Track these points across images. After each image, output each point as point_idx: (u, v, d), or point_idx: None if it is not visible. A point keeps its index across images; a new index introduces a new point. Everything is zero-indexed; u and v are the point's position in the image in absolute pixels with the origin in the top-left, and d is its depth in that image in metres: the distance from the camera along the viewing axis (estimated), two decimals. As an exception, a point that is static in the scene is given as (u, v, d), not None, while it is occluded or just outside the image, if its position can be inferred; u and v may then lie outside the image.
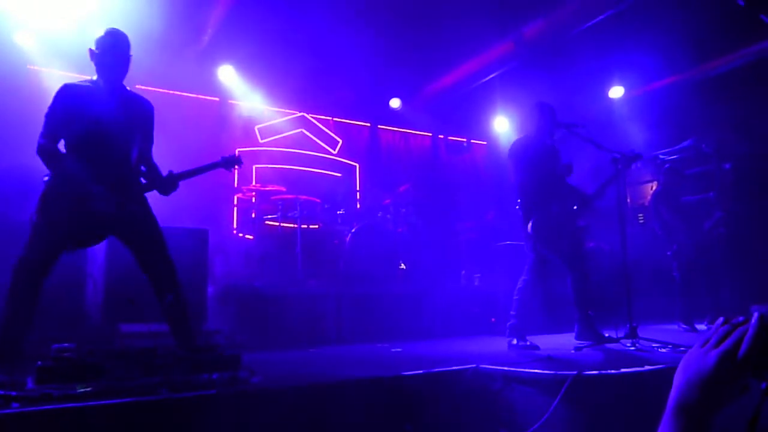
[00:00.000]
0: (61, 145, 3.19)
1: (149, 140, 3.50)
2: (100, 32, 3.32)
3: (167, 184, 3.42)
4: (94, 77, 3.34)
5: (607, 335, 4.38)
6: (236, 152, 3.75)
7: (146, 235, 3.29)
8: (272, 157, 8.35)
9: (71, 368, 2.56)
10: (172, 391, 2.44)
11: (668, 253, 6.01)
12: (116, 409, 2.29)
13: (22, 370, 2.75)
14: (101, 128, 3.18)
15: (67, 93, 3.20)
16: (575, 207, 4.59)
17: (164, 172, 3.46)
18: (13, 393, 2.33)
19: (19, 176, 5.14)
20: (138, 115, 3.41)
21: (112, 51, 3.28)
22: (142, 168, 3.46)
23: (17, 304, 2.93)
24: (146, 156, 3.48)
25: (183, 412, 2.41)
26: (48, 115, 3.17)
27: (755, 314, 1.00)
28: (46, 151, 3.09)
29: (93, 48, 3.29)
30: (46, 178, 3.12)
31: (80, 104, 3.19)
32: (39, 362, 2.58)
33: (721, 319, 1.03)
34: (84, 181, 3.07)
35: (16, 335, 2.93)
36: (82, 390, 2.42)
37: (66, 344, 2.71)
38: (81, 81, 3.35)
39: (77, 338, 3.55)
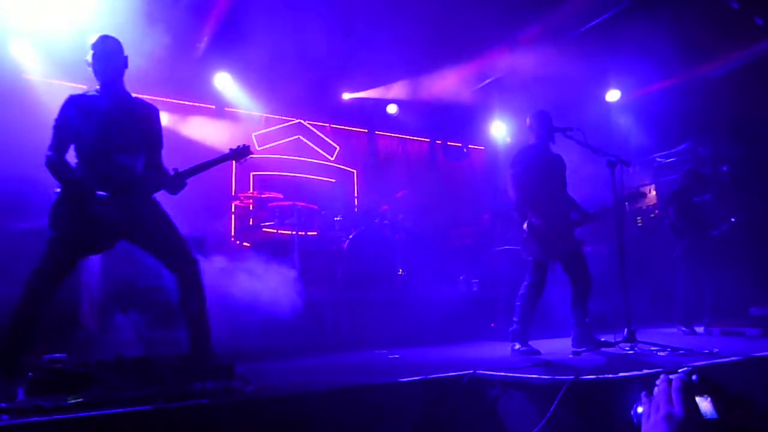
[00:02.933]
0: (71, 156, 3.23)
1: (157, 144, 3.52)
2: (92, 39, 3.33)
3: (174, 182, 3.43)
4: (98, 86, 3.37)
5: (604, 340, 4.36)
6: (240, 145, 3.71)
7: (159, 236, 3.30)
8: (269, 165, 8.34)
9: (63, 379, 2.54)
10: (165, 401, 2.41)
11: (674, 254, 5.99)
12: (108, 420, 2.26)
13: (14, 382, 2.72)
14: (107, 136, 3.22)
15: (72, 104, 3.25)
16: (573, 218, 4.59)
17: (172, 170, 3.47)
18: (3, 405, 2.30)
19: (17, 186, 5.13)
20: (142, 120, 3.43)
21: (104, 56, 3.31)
22: (152, 171, 3.46)
23: (25, 317, 2.93)
24: (155, 160, 3.51)
25: (176, 422, 2.38)
26: (55, 127, 3.21)
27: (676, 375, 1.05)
28: (52, 163, 3.14)
29: (88, 56, 3.31)
30: (57, 190, 3.15)
31: (86, 113, 3.22)
32: (30, 373, 2.56)
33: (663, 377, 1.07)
34: (90, 189, 3.10)
35: (16, 347, 2.91)
36: (73, 401, 2.39)
37: (58, 355, 2.69)
38: (86, 91, 3.39)
39: (73, 349, 3.53)
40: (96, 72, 3.33)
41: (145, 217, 3.27)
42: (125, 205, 3.16)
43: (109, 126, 3.23)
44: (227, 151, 3.67)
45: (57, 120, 3.22)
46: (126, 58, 3.42)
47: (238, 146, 3.70)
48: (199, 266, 3.34)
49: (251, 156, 3.75)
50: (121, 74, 3.41)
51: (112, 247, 3.30)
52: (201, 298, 3.31)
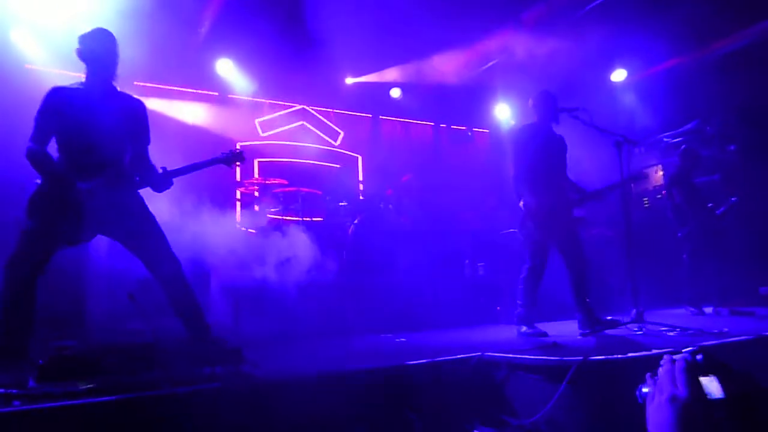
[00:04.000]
0: (52, 148, 3.17)
1: (143, 139, 3.46)
2: (85, 30, 3.27)
3: (161, 181, 3.39)
4: (83, 79, 3.31)
5: (611, 318, 4.35)
6: (237, 146, 3.69)
7: (140, 234, 3.25)
8: (274, 151, 8.31)
9: (72, 366, 2.55)
10: (174, 386, 2.42)
11: (679, 235, 5.95)
12: (118, 406, 2.27)
13: (24, 369, 2.74)
14: (90, 129, 3.15)
15: (56, 95, 3.18)
16: (572, 198, 4.56)
17: (160, 169, 3.42)
18: (15, 391, 2.32)
19: (18, 176, 5.13)
20: (128, 115, 3.37)
21: (99, 51, 3.25)
22: (138, 166, 3.41)
23: (12, 303, 2.91)
24: (142, 155, 3.44)
25: (186, 406, 2.39)
26: (37, 118, 3.15)
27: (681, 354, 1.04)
28: (33, 154, 3.08)
29: (78, 47, 3.24)
30: (37, 181, 3.10)
31: (69, 106, 3.16)
32: (40, 360, 2.57)
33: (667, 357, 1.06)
34: (71, 180, 3.05)
35: (15, 334, 2.91)
36: (83, 387, 2.41)
37: (66, 342, 2.70)
38: (71, 83, 3.32)
39: (81, 336, 3.55)
40: (87, 64, 3.27)
41: (126, 213, 3.23)
42: (107, 199, 3.11)
43: (92, 119, 3.17)
44: (219, 154, 3.62)
45: (39, 110, 3.15)
46: (118, 54, 3.33)
47: (230, 151, 3.65)
48: (181, 266, 3.28)
49: (242, 162, 3.68)
50: (113, 70, 3.33)
51: (89, 241, 3.25)
52: (188, 295, 3.27)
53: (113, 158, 3.25)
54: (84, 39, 3.25)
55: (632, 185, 4.89)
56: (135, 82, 6.76)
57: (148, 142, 3.48)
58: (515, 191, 4.51)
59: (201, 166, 3.54)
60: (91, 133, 3.15)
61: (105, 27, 3.33)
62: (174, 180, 3.45)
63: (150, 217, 3.32)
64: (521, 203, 4.41)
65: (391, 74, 8.48)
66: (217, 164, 3.62)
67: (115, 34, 3.33)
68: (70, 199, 3.02)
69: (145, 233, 3.26)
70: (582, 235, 4.61)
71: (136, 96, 3.51)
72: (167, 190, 3.48)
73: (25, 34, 6.32)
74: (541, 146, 4.53)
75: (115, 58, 3.31)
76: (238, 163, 3.66)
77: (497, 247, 7.01)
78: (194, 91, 7.78)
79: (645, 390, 1.09)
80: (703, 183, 6.34)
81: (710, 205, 5.95)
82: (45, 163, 3.09)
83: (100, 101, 3.25)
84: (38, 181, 3.10)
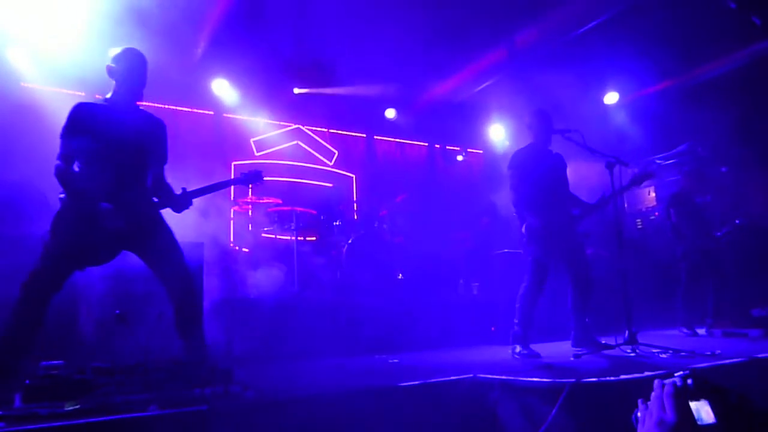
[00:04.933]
0: (76, 166, 3.19)
1: (162, 159, 3.50)
2: (117, 49, 3.33)
3: (180, 201, 3.42)
4: (108, 95, 3.34)
5: (604, 342, 4.34)
6: (249, 169, 3.72)
7: (160, 251, 3.27)
8: (268, 170, 8.25)
9: (60, 386, 2.51)
10: (162, 407, 2.39)
11: (677, 255, 5.94)
12: (104, 427, 2.24)
13: (12, 389, 2.70)
14: (114, 147, 3.17)
15: (81, 112, 3.20)
16: (575, 214, 4.57)
17: (180, 189, 3.46)
18: (0, 412, 2.28)
19: (13, 191, 5.12)
20: (150, 134, 3.41)
21: (130, 70, 3.30)
22: (156, 186, 3.45)
23: (22, 320, 2.90)
24: (159, 174, 3.48)
25: (174, 429, 2.35)
26: (62, 135, 3.16)
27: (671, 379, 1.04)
28: (60, 172, 3.09)
29: (111, 64, 3.29)
30: (61, 196, 3.12)
31: (93, 123, 3.18)
32: (27, 380, 2.54)
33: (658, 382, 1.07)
34: (94, 200, 3.06)
35: (14, 353, 2.88)
36: (70, 408, 2.37)
37: (55, 362, 2.66)
38: (96, 99, 3.36)
39: (69, 356, 3.50)
40: (116, 81, 3.31)
41: (148, 232, 3.24)
42: (128, 218, 3.11)
43: (116, 137, 3.19)
44: (238, 175, 3.67)
45: (64, 128, 3.16)
46: (146, 74, 3.39)
47: (250, 171, 3.70)
48: (194, 281, 3.32)
49: (261, 183, 3.73)
50: (140, 89, 3.38)
51: (111, 260, 3.26)
52: (196, 310, 3.30)
53: (134, 176, 3.27)
54: (115, 57, 3.30)
55: (637, 186, 4.89)
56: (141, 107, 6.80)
57: (165, 161, 3.52)
58: (517, 215, 4.51)
59: (220, 186, 3.60)
60: (113, 151, 3.17)
61: (117, 45, 3.39)
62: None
63: (170, 234, 3.34)
64: (524, 228, 4.40)
65: (385, 94, 8.52)
66: (236, 185, 3.65)
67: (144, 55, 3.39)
68: (93, 220, 3.03)
69: (162, 250, 3.27)
70: (587, 253, 4.61)
71: (156, 116, 3.56)
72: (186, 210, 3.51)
73: (21, 52, 6.35)
74: (539, 167, 4.55)
75: (144, 78, 3.37)
76: (257, 183, 3.68)
77: (491, 267, 7.00)
78: (190, 110, 7.81)
79: (639, 415, 1.08)
80: (697, 204, 6.36)
81: (708, 226, 5.96)
82: (69, 181, 3.10)
83: (123, 119, 3.27)
84: (62, 195, 3.11)
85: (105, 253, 3.19)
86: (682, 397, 1.01)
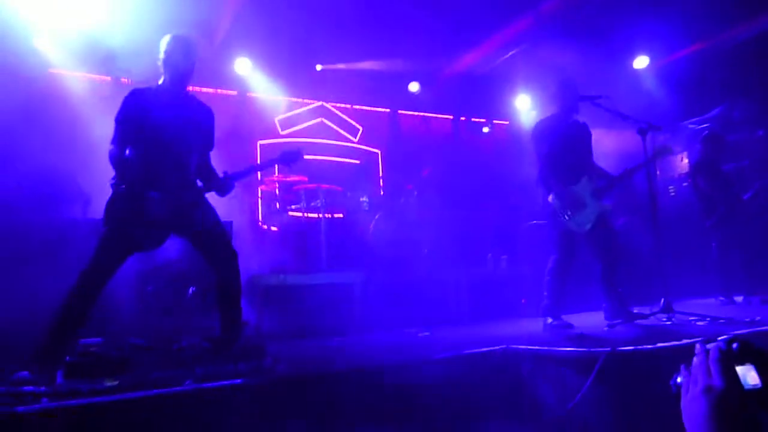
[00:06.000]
0: (128, 151, 3.27)
1: (208, 145, 3.58)
2: (166, 38, 3.37)
3: (223, 185, 3.50)
4: (160, 81, 3.41)
5: (636, 311, 4.27)
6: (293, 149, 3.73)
7: (205, 234, 3.35)
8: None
9: (99, 363, 2.58)
10: (197, 382, 2.43)
11: (707, 224, 5.77)
12: (143, 402, 2.29)
13: (55, 368, 2.77)
14: (164, 133, 3.25)
15: (133, 99, 3.28)
16: (600, 186, 4.47)
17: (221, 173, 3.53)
18: (43, 389, 2.35)
19: (43, 179, 5.22)
20: (199, 121, 3.48)
21: (175, 57, 3.35)
22: (201, 172, 3.53)
23: (75, 308, 2.97)
24: (204, 160, 3.56)
25: (209, 402, 2.40)
26: (116, 121, 3.25)
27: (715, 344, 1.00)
28: (114, 157, 3.18)
29: (160, 54, 3.36)
30: (112, 181, 3.19)
31: (143, 109, 3.25)
32: (68, 358, 2.60)
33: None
34: (143, 186, 3.14)
35: (62, 337, 2.94)
36: (109, 384, 2.43)
37: (93, 339, 2.73)
38: (149, 86, 3.43)
39: (108, 333, 3.59)
40: (168, 69, 3.37)
41: (194, 217, 3.31)
42: (174, 205, 3.19)
43: (167, 124, 3.26)
44: (277, 154, 3.70)
45: (118, 113, 3.25)
46: (195, 61, 3.44)
47: (290, 150, 3.72)
48: (237, 259, 3.40)
49: (299, 161, 3.74)
50: (189, 76, 3.45)
51: (160, 245, 3.33)
52: (238, 287, 3.38)
53: (183, 162, 3.34)
54: (165, 45, 3.35)
55: (658, 162, 4.75)
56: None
57: (211, 147, 3.61)
58: (543, 185, 4.43)
59: (260, 167, 3.65)
60: (164, 138, 3.24)
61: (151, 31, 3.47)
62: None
63: (213, 217, 3.42)
64: (550, 197, 4.33)
65: (409, 67, 8.40)
66: (276, 164, 3.67)
67: (193, 42, 3.45)
68: (141, 208, 3.10)
69: (208, 232, 3.35)
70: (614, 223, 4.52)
71: (204, 103, 3.63)
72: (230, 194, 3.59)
73: (48, 39, 6.41)
74: (564, 136, 4.45)
75: (193, 65, 3.43)
76: (296, 162, 3.70)
77: (520, 240, 6.93)
78: (213, 90, 7.83)
79: (679, 380, 1.05)
80: (732, 169, 6.15)
81: (737, 190, 5.76)
82: (121, 167, 3.18)
83: (174, 107, 3.35)
84: (113, 181, 3.19)
85: (153, 240, 3.26)
86: (728, 361, 0.97)
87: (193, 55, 3.40)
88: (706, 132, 6.07)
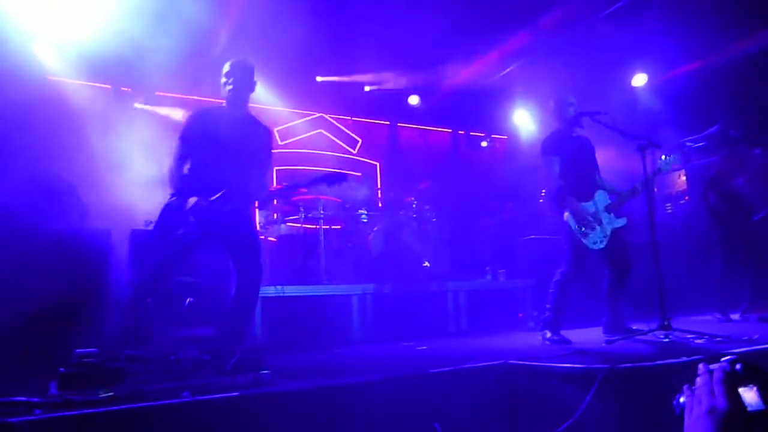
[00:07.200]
0: (187, 167, 3.46)
1: (265, 165, 3.76)
2: (228, 63, 3.60)
3: (264, 200, 3.64)
4: (224, 103, 3.63)
5: (635, 328, 4.26)
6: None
7: (240, 244, 3.48)
8: (292, 159, 8.33)
9: (93, 374, 2.55)
10: (194, 394, 2.40)
11: (712, 239, 5.77)
12: (138, 414, 2.26)
13: (46, 377, 2.74)
14: (218, 151, 3.41)
15: (194, 118, 3.57)
16: (613, 201, 4.48)
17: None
18: (36, 399, 2.31)
19: (41, 185, 5.19)
20: (256, 141, 3.63)
21: (234, 81, 3.55)
22: (251, 187, 3.62)
23: (136, 318, 3.18)
24: (262, 179, 3.72)
25: (205, 415, 2.37)
26: (179, 138, 3.52)
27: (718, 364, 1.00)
28: (172, 173, 3.43)
29: (223, 78, 3.58)
30: (167, 195, 3.41)
31: (203, 128, 3.50)
32: (61, 368, 2.57)
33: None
34: (190, 195, 3.30)
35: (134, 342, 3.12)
36: (104, 395, 2.40)
37: (89, 350, 2.70)
38: (212, 106, 3.72)
39: (103, 344, 3.55)
40: (229, 91, 3.56)
41: (234, 227, 3.43)
42: (221, 213, 3.29)
43: (224, 143, 3.43)
44: (321, 175, 3.78)
45: (182, 132, 3.52)
46: (255, 83, 3.68)
47: (333, 173, 3.81)
48: (261, 273, 3.52)
49: (346, 182, 3.85)
50: (246, 95, 3.64)
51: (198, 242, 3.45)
52: (254, 299, 3.51)
53: (236, 180, 3.42)
54: (226, 69, 3.57)
55: (661, 177, 4.78)
56: (156, 92, 6.85)
57: (269, 167, 3.84)
58: (556, 201, 4.45)
59: (301, 186, 3.81)
60: (220, 156, 3.40)
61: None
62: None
63: (252, 232, 3.61)
64: (566, 215, 4.34)
65: (408, 81, 8.44)
66: (318, 185, 3.78)
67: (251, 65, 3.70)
68: (190, 212, 3.26)
69: (243, 245, 3.49)
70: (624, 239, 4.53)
71: (263, 123, 3.80)
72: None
73: (47, 46, 6.42)
74: (571, 151, 4.47)
75: (248, 85, 3.65)
76: (338, 184, 3.77)
77: (518, 254, 6.92)
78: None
79: (682, 400, 1.04)
80: (734, 187, 6.15)
81: (747, 210, 5.76)
82: (177, 182, 3.41)
83: (236, 126, 3.54)
84: (169, 194, 3.39)
85: (195, 238, 3.36)
86: (731, 382, 0.96)
87: (248, 76, 3.62)
88: (727, 150, 6.10)
